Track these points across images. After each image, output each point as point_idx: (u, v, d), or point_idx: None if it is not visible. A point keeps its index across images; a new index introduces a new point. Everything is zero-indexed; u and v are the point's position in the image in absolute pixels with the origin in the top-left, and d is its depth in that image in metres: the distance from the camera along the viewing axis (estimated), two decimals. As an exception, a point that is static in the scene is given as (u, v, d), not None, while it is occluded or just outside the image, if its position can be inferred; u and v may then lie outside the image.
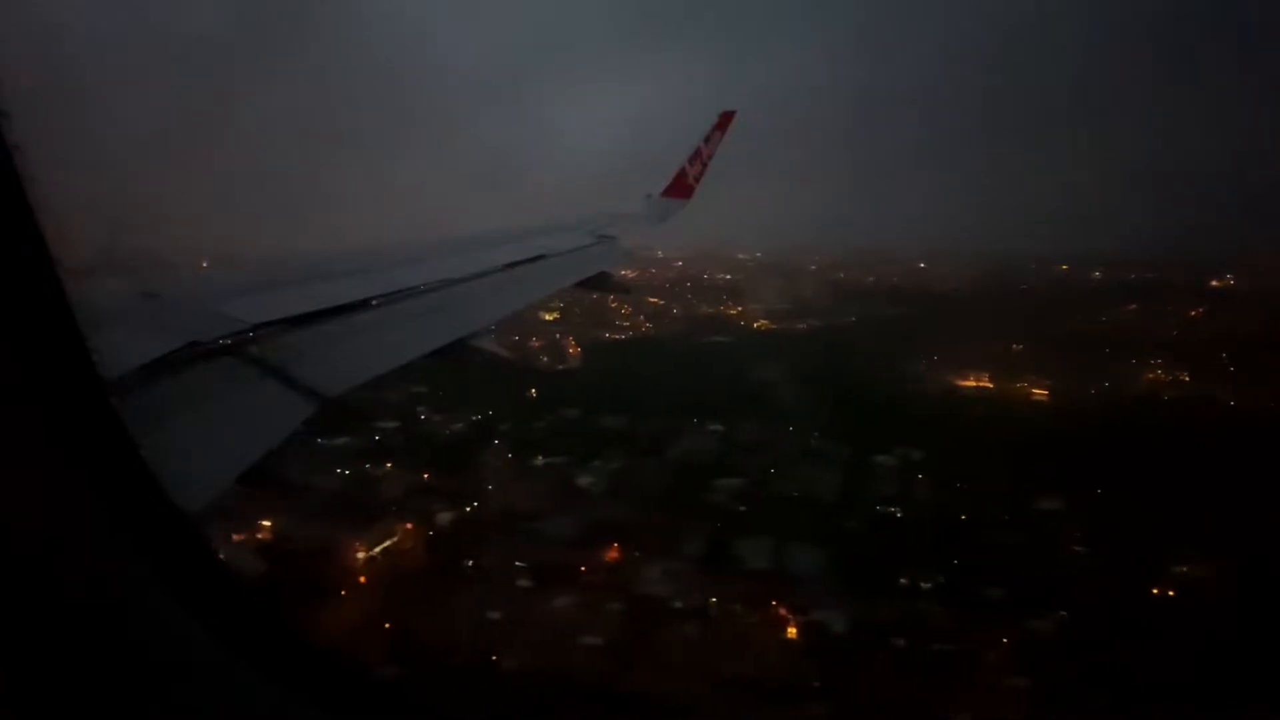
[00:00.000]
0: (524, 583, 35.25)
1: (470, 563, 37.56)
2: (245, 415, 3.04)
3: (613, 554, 37.93)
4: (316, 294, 4.29)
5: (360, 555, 38.71)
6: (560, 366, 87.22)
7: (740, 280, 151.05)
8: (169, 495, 1.73)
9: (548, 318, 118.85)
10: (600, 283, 8.02)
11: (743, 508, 43.00)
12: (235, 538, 40.37)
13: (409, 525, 41.91)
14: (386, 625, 32.00)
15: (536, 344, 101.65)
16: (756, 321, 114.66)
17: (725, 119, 13.19)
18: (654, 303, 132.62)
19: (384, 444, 56.61)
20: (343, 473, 51.16)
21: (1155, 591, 32.91)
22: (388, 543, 40.13)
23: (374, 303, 4.60)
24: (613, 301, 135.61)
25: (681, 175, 12.93)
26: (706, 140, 13.13)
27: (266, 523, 41.69)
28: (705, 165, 13.08)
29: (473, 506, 44.45)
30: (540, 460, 52.39)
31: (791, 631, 31.10)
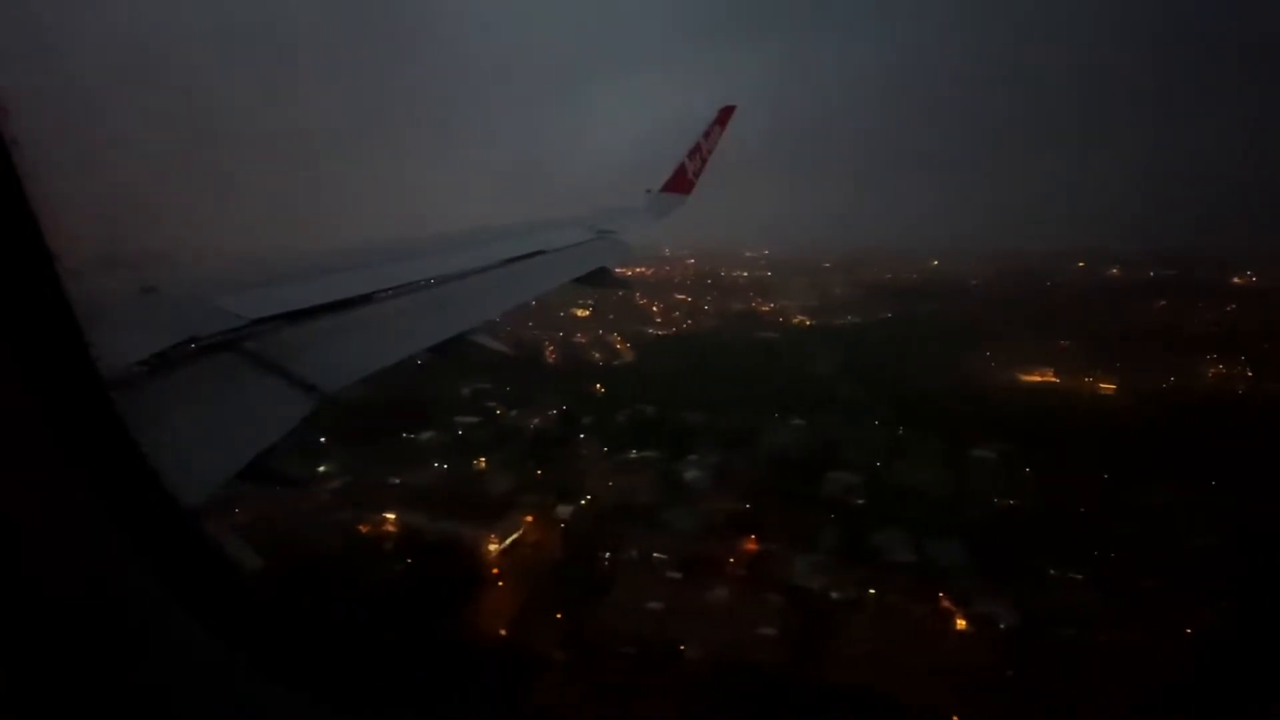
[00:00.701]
0: (673, 574, 35.16)
1: (607, 555, 37.41)
2: (244, 411, 3.04)
3: (750, 546, 37.83)
4: (315, 289, 4.29)
5: (493, 548, 38.54)
6: (616, 362, 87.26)
7: (760, 277, 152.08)
8: (168, 491, 1.72)
9: (580, 314, 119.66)
10: (599, 279, 7.94)
11: (860, 500, 43.06)
12: (362, 529, 40.57)
13: (529, 518, 41.72)
14: (557, 615, 31.89)
15: (583, 339, 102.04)
16: (794, 318, 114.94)
17: (725, 114, 13.04)
18: (682, 299, 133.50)
19: (470, 439, 56.62)
20: (441, 467, 51.21)
21: (1312, 582, 33.31)
22: (515, 535, 39.95)
23: (372, 298, 4.59)
24: (641, 299, 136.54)
25: (681, 171, 12.73)
26: (706, 135, 12.97)
27: (390, 515, 41.79)
28: (705, 161, 12.95)
29: (586, 500, 44.27)
30: (633, 454, 52.28)
31: (961, 623, 31.22)
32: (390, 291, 4.79)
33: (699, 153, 12.87)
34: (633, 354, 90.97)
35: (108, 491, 1.55)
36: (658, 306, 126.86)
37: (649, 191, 12.57)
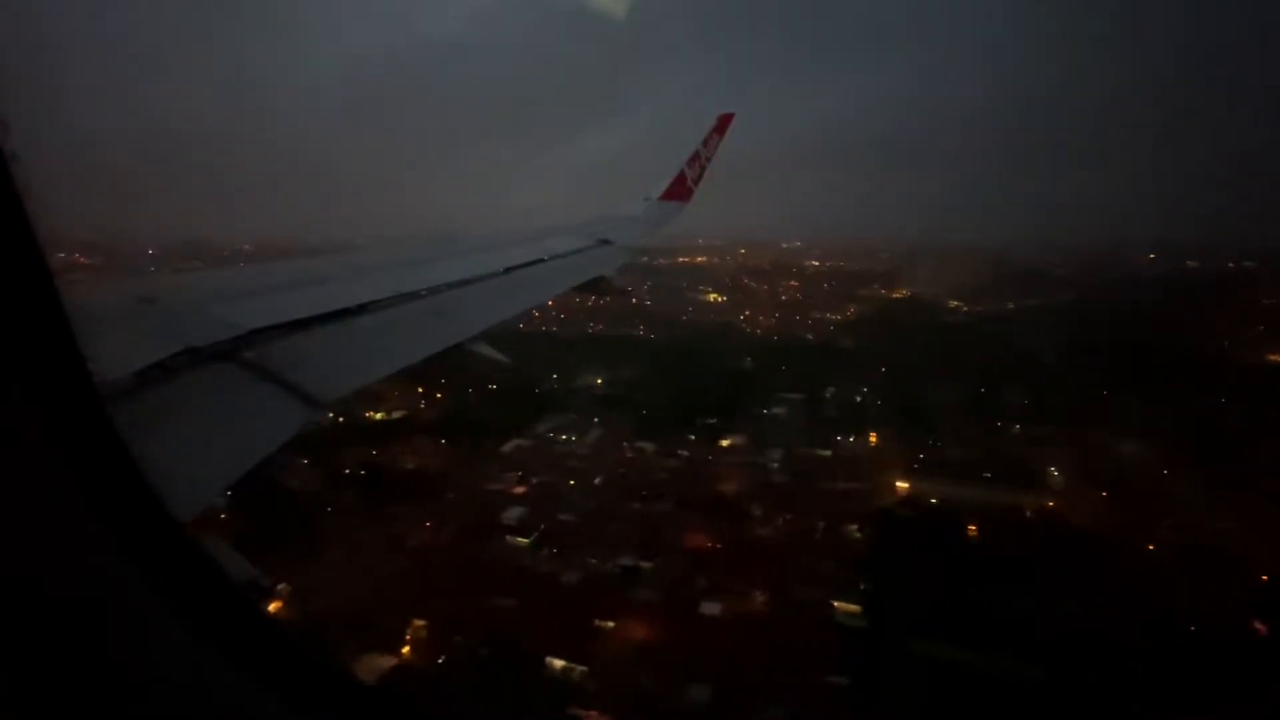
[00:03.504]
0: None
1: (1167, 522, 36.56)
2: (241, 422, 3.05)
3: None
4: (313, 298, 4.34)
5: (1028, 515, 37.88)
6: (843, 344, 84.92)
7: (836, 267, 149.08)
8: (163, 502, 1.73)
9: (714, 298, 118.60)
10: (597, 287, 8.10)
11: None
12: (875, 501, 38.91)
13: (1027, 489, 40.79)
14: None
15: (768, 321, 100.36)
16: (948, 303, 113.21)
17: (724, 121, 13.15)
18: (795, 286, 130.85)
19: (826, 415, 55.84)
20: (847, 440, 49.72)
21: None
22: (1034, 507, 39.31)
23: (371, 307, 4.64)
24: (762, 286, 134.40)
25: (680, 178, 12.80)
26: (705, 143, 13.04)
27: (902, 485, 40.51)
28: (704, 168, 13.04)
29: (1054, 471, 43.17)
30: (1018, 428, 51.48)
31: None
32: (389, 300, 4.81)
33: (698, 160, 12.88)
34: (844, 337, 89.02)
35: (101, 501, 1.54)
36: (788, 295, 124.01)
37: (648, 199, 12.50)
